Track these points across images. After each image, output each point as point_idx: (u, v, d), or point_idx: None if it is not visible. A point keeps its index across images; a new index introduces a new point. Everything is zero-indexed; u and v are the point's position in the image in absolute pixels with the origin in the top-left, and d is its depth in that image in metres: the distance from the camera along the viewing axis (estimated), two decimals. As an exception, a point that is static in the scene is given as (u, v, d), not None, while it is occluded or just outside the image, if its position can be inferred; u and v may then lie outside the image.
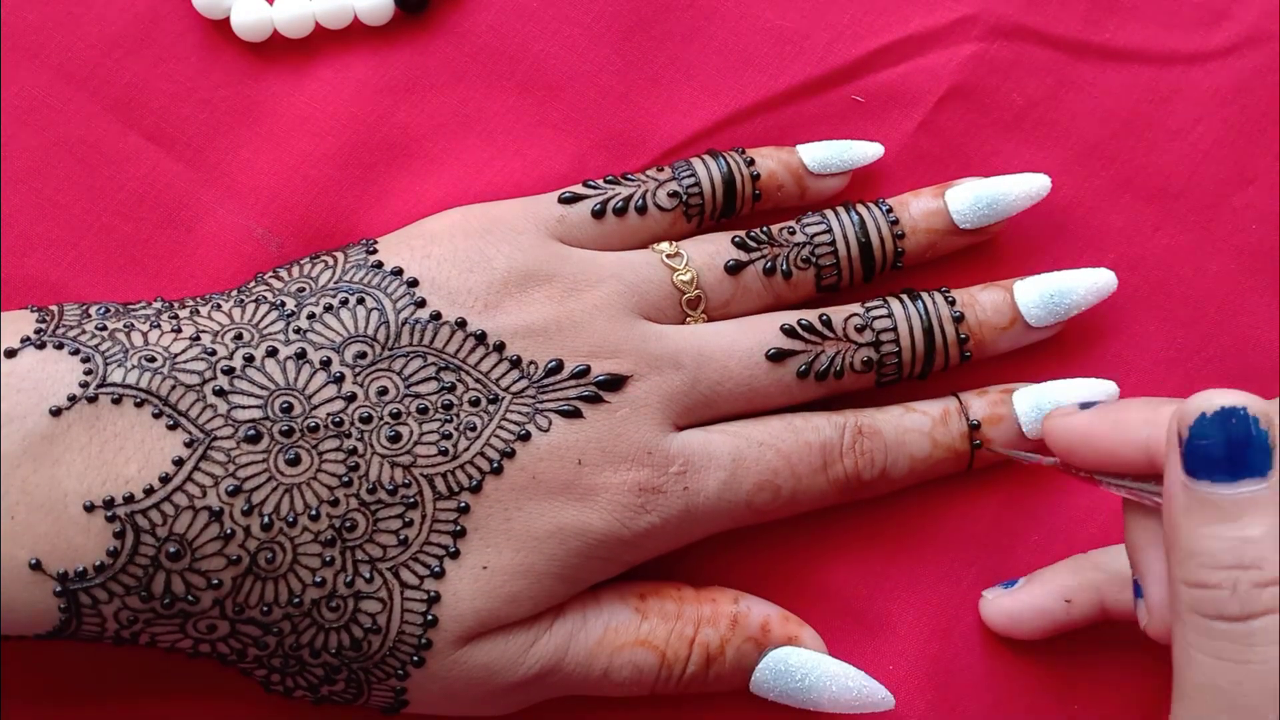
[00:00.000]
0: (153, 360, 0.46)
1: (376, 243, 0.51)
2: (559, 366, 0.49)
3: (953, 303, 0.54)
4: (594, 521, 0.48)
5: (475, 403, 0.48)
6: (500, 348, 0.49)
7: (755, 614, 0.51)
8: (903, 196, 0.56)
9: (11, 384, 0.44)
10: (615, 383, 0.49)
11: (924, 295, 0.54)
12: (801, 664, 0.51)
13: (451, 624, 0.47)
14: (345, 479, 0.46)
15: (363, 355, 0.47)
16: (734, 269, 0.53)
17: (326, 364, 0.47)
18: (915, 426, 0.53)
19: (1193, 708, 0.40)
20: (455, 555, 0.47)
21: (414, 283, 0.49)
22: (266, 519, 0.45)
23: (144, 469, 0.44)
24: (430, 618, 0.46)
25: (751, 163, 0.55)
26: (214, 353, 0.46)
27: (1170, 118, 0.59)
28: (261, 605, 0.45)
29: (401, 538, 0.46)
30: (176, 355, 0.46)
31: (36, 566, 0.43)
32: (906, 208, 0.55)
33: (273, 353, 0.47)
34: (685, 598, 0.51)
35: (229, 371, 0.46)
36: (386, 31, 0.58)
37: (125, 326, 0.47)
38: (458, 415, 0.48)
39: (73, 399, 0.44)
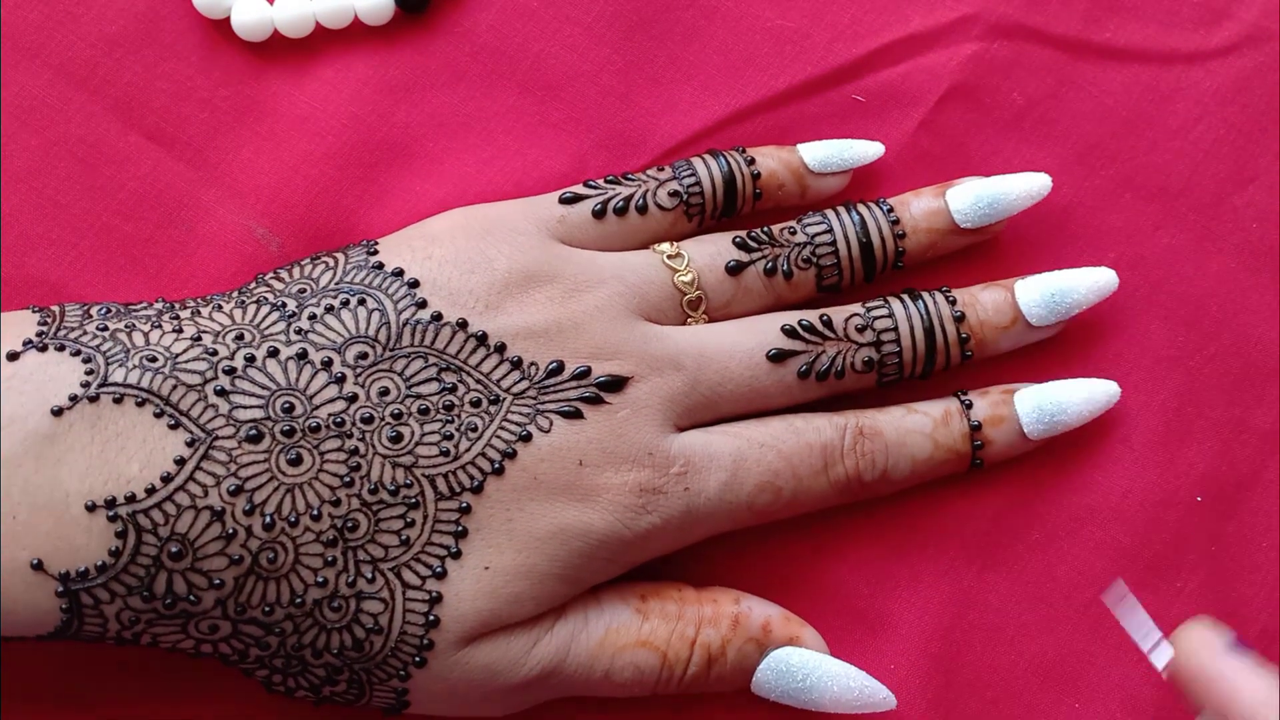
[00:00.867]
0: (154, 360, 0.46)
1: (377, 243, 0.51)
2: (560, 368, 0.49)
3: (954, 302, 0.54)
4: (595, 522, 0.48)
5: (476, 403, 0.48)
6: (501, 349, 0.49)
7: (757, 614, 0.51)
8: (903, 196, 0.56)
9: (14, 385, 0.44)
10: (616, 384, 0.49)
11: (925, 295, 0.54)
12: (803, 664, 0.51)
13: (453, 624, 0.47)
14: (347, 479, 0.46)
15: (364, 356, 0.47)
16: (735, 269, 0.53)
17: (328, 364, 0.47)
18: (916, 428, 0.53)
19: None
20: (457, 555, 0.47)
21: (415, 284, 0.49)
22: (268, 519, 0.45)
23: (146, 468, 0.44)
24: (432, 618, 0.46)
25: (752, 162, 0.55)
26: (215, 353, 0.46)
27: (1170, 117, 0.59)
28: (263, 605, 0.45)
29: (403, 538, 0.46)
30: (178, 355, 0.46)
31: (38, 567, 0.43)
32: (907, 207, 0.55)
33: (274, 353, 0.47)
34: (686, 598, 0.51)
35: (230, 371, 0.46)
36: (386, 31, 0.58)
37: (126, 327, 0.47)
38: (459, 416, 0.48)
39: (74, 399, 0.44)
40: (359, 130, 0.57)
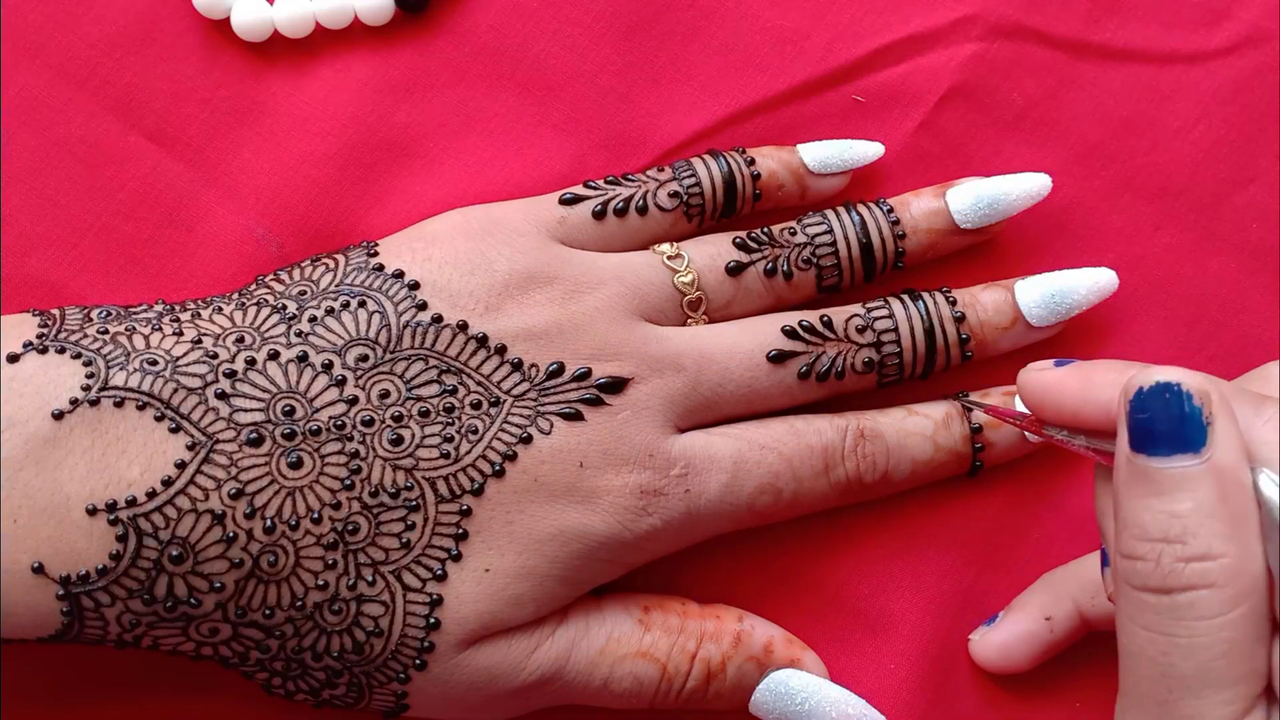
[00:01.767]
0: (154, 363, 0.46)
1: (377, 245, 0.51)
2: (560, 369, 0.49)
3: (954, 303, 0.54)
4: (596, 524, 0.48)
5: (477, 405, 0.48)
6: (502, 350, 0.49)
7: (759, 633, 0.51)
8: (903, 196, 0.56)
9: (14, 388, 0.44)
10: (616, 385, 0.49)
11: (925, 295, 0.54)
12: (803, 687, 0.51)
13: (454, 627, 0.47)
14: (347, 482, 0.46)
15: (364, 358, 0.47)
16: (735, 270, 0.53)
17: (328, 367, 0.47)
18: (917, 430, 0.53)
19: (1129, 675, 0.41)
20: (457, 558, 0.47)
21: (415, 285, 0.49)
22: (269, 522, 0.45)
23: (146, 472, 0.44)
24: (432, 620, 0.46)
25: (752, 162, 0.55)
26: (216, 356, 0.46)
27: (1170, 118, 0.59)
28: (264, 608, 0.45)
29: (404, 540, 0.46)
30: (178, 358, 0.46)
31: (39, 570, 0.43)
32: (907, 208, 0.55)
33: (274, 356, 0.47)
34: (689, 612, 0.51)
35: (231, 375, 0.46)
36: (386, 31, 0.58)
37: (127, 330, 0.47)
38: (459, 418, 0.48)
39: (75, 402, 0.44)
40: (359, 130, 0.57)
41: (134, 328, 0.47)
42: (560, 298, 0.50)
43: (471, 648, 0.47)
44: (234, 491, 0.45)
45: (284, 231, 0.55)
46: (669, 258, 0.53)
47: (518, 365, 0.49)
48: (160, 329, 0.47)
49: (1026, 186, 0.56)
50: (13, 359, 0.45)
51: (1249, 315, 0.57)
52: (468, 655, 0.47)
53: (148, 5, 0.57)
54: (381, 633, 0.46)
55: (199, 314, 0.48)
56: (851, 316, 0.53)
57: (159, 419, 0.45)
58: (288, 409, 0.46)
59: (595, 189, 0.54)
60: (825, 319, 0.53)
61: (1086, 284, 0.55)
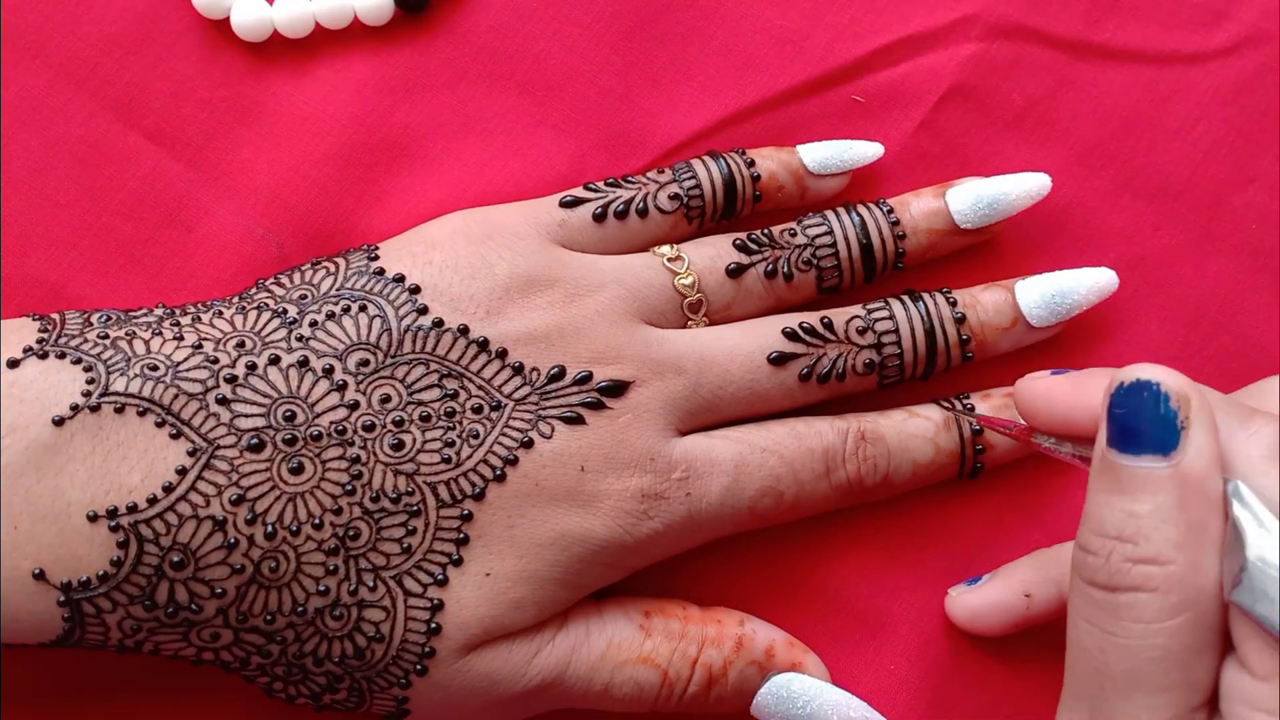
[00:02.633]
0: (155, 369, 0.46)
1: (378, 248, 0.51)
2: (561, 373, 0.49)
3: (954, 303, 0.54)
4: (597, 528, 0.48)
5: (478, 410, 0.48)
6: (502, 354, 0.49)
7: (760, 637, 0.51)
8: (903, 197, 0.56)
9: (14, 394, 0.44)
10: (617, 388, 0.49)
11: (925, 296, 0.54)
12: (804, 691, 0.51)
13: (455, 631, 0.47)
14: (348, 487, 0.46)
15: (365, 363, 0.47)
16: (735, 272, 0.53)
17: (329, 372, 0.47)
18: (918, 432, 0.53)
19: (1070, 666, 0.42)
20: (458, 562, 0.47)
21: (416, 289, 0.49)
22: (270, 528, 0.45)
23: (147, 478, 0.44)
24: (434, 625, 0.46)
25: (752, 164, 0.55)
26: (216, 361, 0.46)
27: (1170, 118, 0.59)
28: (265, 614, 0.45)
29: (405, 545, 0.46)
30: (179, 363, 0.46)
31: (40, 576, 0.43)
32: (907, 208, 0.55)
33: (275, 360, 0.47)
34: (690, 617, 0.51)
35: (231, 380, 0.46)
36: (386, 31, 0.58)
37: (127, 334, 0.47)
38: (460, 422, 0.48)
39: (75, 408, 0.44)
40: (358, 130, 0.57)
41: (134, 332, 0.47)
42: (561, 301, 0.50)
43: (473, 653, 0.47)
44: (235, 497, 0.45)
45: (284, 231, 0.55)
46: (669, 260, 0.53)
47: (519, 369, 0.49)
48: (160, 333, 0.47)
49: (1026, 186, 0.56)
50: (13, 364, 0.45)
51: (1248, 316, 0.57)
52: (469, 660, 0.47)
53: (148, 5, 0.57)
54: (383, 638, 0.46)
55: (199, 318, 0.48)
56: (852, 318, 0.53)
57: (160, 425, 0.45)
58: (289, 414, 0.46)
59: (595, 191, 0.54)
60: (826, 320, 0.53)
61: (1086, 284, 0.55)
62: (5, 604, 0.43)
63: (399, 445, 0.47)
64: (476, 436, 0.48)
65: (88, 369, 0.45)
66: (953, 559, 0.55)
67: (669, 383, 0.50)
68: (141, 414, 0.45)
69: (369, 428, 0.47)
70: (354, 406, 0.47)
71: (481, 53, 0.58)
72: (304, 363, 0.47)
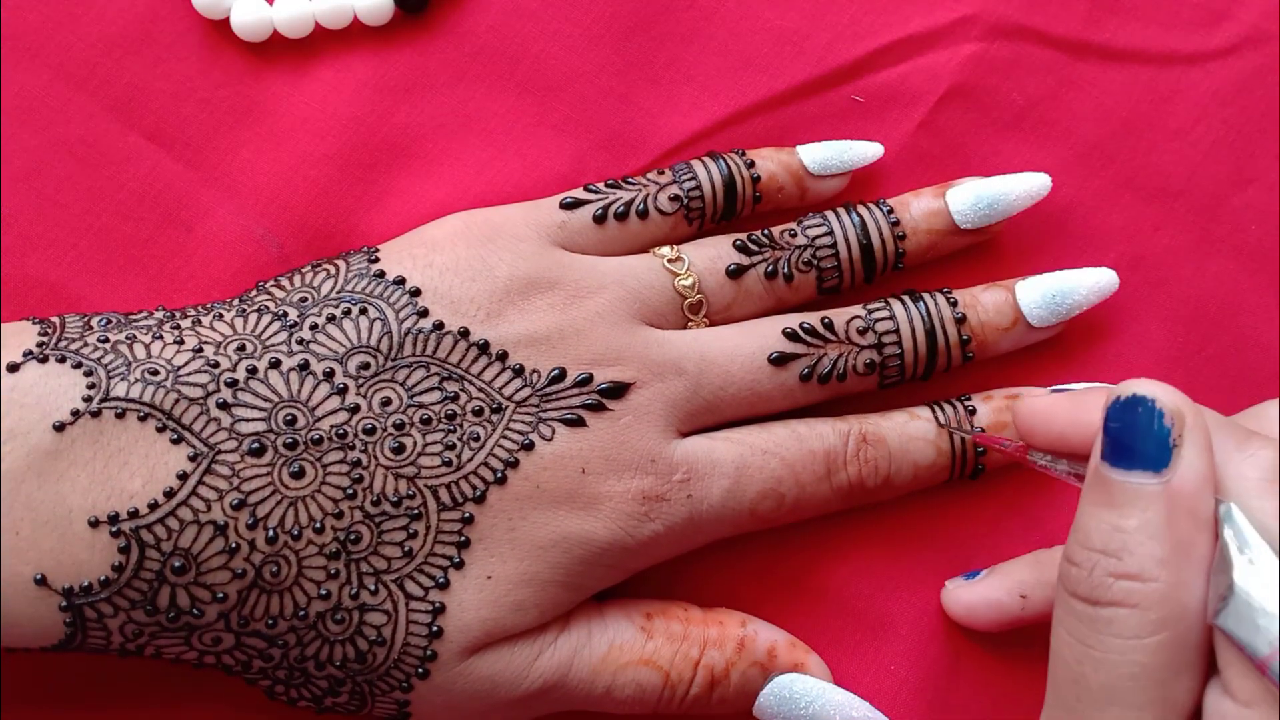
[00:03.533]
0: (156, 373, 0.46)
1: (378, 250, 0.51)
2: (562, 375, 0.49)
3: (954, 303, 0.54)
4: (598, 530, 0.48)
5: (479, 412, 0.48)
6: (503, 357, 0.49)
7: (762, 638, 0.51)
8: (903, 197, 0.56)
9: (14, 399, 0.44)
10: (618, 390, 0.49)
11: (925, 296, 0.54)
12: (806, 691, 0.51)
13: (457, 634, 0.47)
14: (349, 491, 0.46)
15: (366, 366, 0.47)
16: (735, 273, 0.53)
17: (330, 375, 0.47)
18: (919, 434, 0.53)
19: (1051, 675, 0.42)
20: (460, 566, 0.47)
21: (416, 292, 0.49)
22: (271, 532, 0.45)
23: (148, 484, 0.44)
24: (435, 629, 0.46)
25: (752, 165, 0.55)
26: (217, 365, 0.46)
27: (1170, 118, 0.59)
28: (266, 618, 0.45)
29: (406, 549, 0.47)
30: (179, 368, 0.46)
31: (41, 582, 0.43)
32: (907, 208, 0.55)
33: (276, 364, 0.47)
34: (692, 618, 0.51)
35: (232, 384, 0.46)
36: (386, 31, 0.57)
37: (127, 338, 0.47)
38: (461, 425, 0.48)
39: (76, 414, 0.44)
40: (358, 131, 0.57)
41: (134, 336, 0.47)
42: (561, 303, 0.50)
43: (474, 656, 0.47)
44: (236, 502, 0.45)
45: (284, 231, 0.55)
46: (669, 261, 0.53)
47: (519, 371, 0.49)
48: (161, 337, 0.47)
49: (1026, 186, 0.56)
50: (13, 368, 0.45)
51: (1248, 316, 0.57)
52: (470, 663, 0.47)
53: (148, 5, 0.57)
54: (384, 641, 0.46)
55: (199, 321, 0.48)
56: (852, 318, 0.53)
57: (160, 430, 0.45)
58: (289, 418, 0.46)
59: (595, 193, 0.54)
60: (826, 321, 0.53)
61: (1087, 284, 0.55)
62: (6, 609, 0.43)
63: (400, 448, 0.47)
64: (477, 439, 0.48)
65: (88, 373, 0.45)
66: (953, 560, 0.55)
67: (670, 384, 0.50)
68: (142, 419, 0.45)
69: (370, 431, 0.47)
70: (355, 410, 0.47)
71: (481, 53, 0.58)
72: (305, 366, 0.47)
